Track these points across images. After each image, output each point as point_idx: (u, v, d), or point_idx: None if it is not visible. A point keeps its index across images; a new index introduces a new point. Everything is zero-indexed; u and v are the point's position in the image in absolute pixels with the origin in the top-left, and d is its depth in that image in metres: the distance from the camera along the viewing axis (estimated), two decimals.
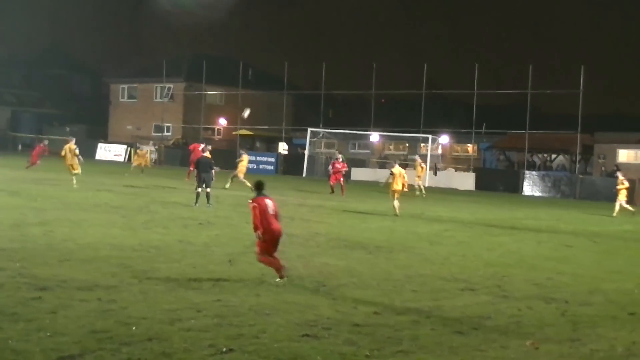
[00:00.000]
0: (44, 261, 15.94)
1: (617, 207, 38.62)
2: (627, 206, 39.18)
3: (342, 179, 42.81)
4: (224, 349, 10.14)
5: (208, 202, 30.37)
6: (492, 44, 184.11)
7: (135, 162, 54.68)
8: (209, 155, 32.43)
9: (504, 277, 17.47)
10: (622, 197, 38.98)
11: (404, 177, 32.46)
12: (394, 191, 32.10)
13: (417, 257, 20.17)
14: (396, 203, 31.67)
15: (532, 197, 58.18)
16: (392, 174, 32.47)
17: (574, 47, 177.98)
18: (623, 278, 18.64)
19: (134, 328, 10.90)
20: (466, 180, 63.71)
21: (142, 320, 11.35)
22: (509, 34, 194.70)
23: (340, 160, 43.75)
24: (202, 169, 31.10)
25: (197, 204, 30.13)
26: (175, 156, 76.79)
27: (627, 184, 39.43)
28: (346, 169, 45.57)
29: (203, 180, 30.72)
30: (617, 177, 41.14)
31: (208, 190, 30.65)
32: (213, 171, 31.37)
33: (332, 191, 41.97)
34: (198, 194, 30.57)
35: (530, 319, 13.07)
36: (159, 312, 11.92)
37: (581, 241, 26.81)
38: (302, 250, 19.87)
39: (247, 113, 74.49)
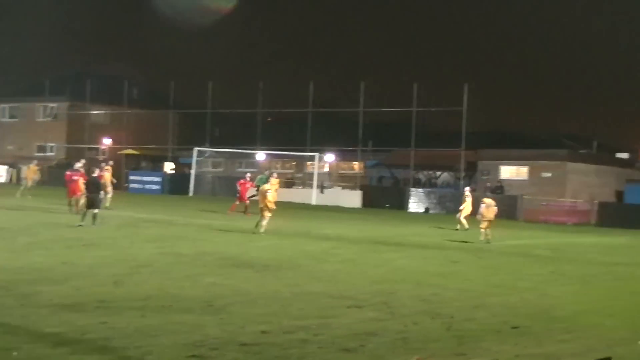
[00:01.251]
0: None
1: (463, 221, 38.94)
2: (464, 221, 39.06)
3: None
4: None
5: (94, 222, 30.01)
6: (378, 62, 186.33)
7: (29, 179, 52.58)
8: (102, 175, 32.45)
9: (390, 293, 17.62)
10: (465, 212, 39.36)
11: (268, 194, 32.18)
12: (264, 208, 31.67)
13: (305, 275, 20.20)
14: (264, 222, 31.36)
15: (418, 213, 58.85)
16: (264, 189, 32.58)
17: (458, 66, 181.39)
18: (507, 292, 19.00)
19: (14, 353, 10.64)
20: (353, 198, 64.07)
21: (24, 345, 11.08)
22: (395, 52, 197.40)
23: (248, 179, 44.17)
24: (92, 189, 30.91)
25: (83, 223, 29.78)
26: (59, 176, 75.13)
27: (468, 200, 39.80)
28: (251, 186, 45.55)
29: (91, 201, 30.50)
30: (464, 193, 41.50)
31: (96, 211, 30.34)
32: (102, 192, 31.03)
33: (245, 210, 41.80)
34: (85, 213, 30.32)
35: (416, 335, 13.20)
36: (41, 336, 11.66)
37: (466, 257, 27.22)
38: (189, 270, 19.71)
39: None
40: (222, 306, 14.92)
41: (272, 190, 33.75)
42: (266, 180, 43.59)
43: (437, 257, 26.66)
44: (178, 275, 18.69)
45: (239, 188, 43.96)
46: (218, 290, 16.84)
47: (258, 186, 49.10)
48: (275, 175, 47.53)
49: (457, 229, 38.70)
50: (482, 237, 33.14)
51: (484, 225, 33.55)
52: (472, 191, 42.44)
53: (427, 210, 59.61)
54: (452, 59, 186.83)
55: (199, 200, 58.76)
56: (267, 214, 31.51)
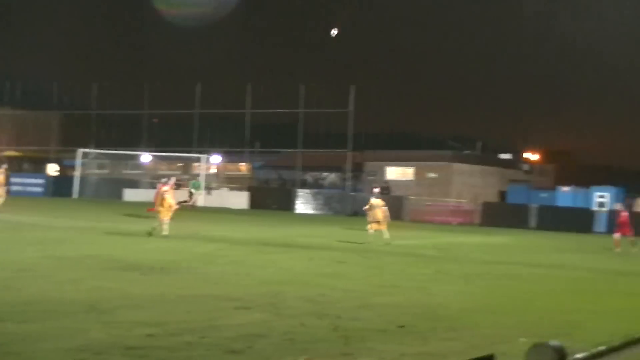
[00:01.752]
0: None
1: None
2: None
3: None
4: None
5: None
6: (266, 64, 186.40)
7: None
8: None
9: (277, 294, 17.60)
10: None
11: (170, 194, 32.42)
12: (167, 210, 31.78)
13: (191, 276, 20.05)
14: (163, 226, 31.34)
15: (305, 214, 59.06)
16: (164, 192, 32.45)
17: (344, 68, 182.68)
18: (392, 292, 19.18)
19: None
20: (240, 199, 63.98)
21: None
22: (283, 54, 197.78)
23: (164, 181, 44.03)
24: None
25: None
26: None
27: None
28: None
29: None
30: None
31: None
32: None
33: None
34: None
35: (303, 335, 13.21)
36: None
37: (352, 257, 27.41)
38: (72, 274, 19.33)
39: (335, 32, 71.18)
40: (106, 309, 14.67)
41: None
42: (199, 185, 44.51)
43: (324, 257, 26.78)
44: (61, 279, 18.33)
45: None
46: (102, 294, 16.56)
47: (191, 192, 51.71)
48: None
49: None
50: (370, 234, 33.47)
51: (373, 226, 33.88)
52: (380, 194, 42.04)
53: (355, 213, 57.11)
54: (338, 60, 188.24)
55: (84, 202, 57.82)
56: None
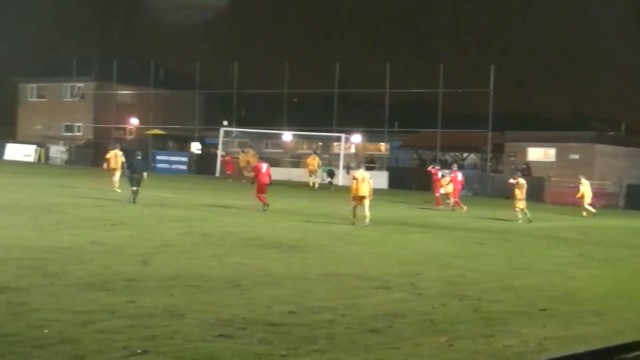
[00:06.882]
0: None
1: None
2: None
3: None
4: (138, 351, 10.02)
5: (134, 200, 32.07)
6: (404, 43, 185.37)
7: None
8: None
9: (417, 274, 17.61)
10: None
11: (369, 182, 29.77)
12: (355, 197, 29.42)
13: (331, 255, 20.22)
14: (366, 212, 28.92)
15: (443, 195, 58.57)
16: (354, 178, 29.86)
17: (484, 47, 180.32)
18: (533, 274, 18.95)
19: (45, 331, 10.72)
20: (379, 179, 63.99)
21: (53, 322, 11.15)
22: (420, 33, 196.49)
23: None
24: (134, 168, 33.53)
25: (134, 201, 32.09)
26: (86, 156, 75.63)
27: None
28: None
29: (134, 180, 32.73)
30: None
31: (135, 188, 32.46)
32: (145, 173, 33.49)
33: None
34: (133, 192, 32.45)
35: (443, 316, 13.20)
36: (71, 314, 11.74)
37: (492, 238, 27.17)
38: (215, 250, 19.77)
39: None
40: (248, 286, 14.95)
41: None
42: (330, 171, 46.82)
43: (463, 238, 26.62)
44: (204, 255, 18.76)
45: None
46: (244, 270, 16.89)
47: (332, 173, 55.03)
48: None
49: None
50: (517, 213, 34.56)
51: (518, 205, 34.32)
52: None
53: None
54: (479, 39, 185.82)
55: (225, 181, 58.82)
56: (360, 203, 29.38)
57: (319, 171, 58.82)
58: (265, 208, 31.80)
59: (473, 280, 17.39)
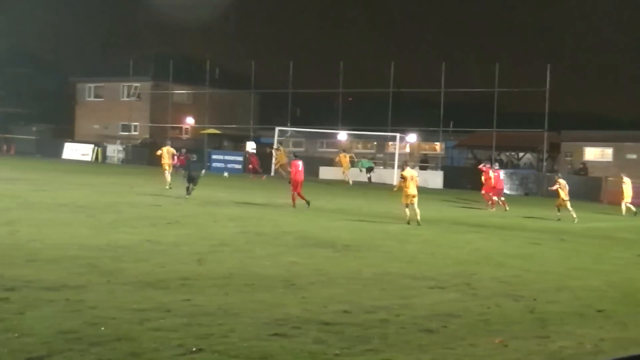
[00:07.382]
0: (10, 261, 15.79)
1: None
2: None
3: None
4: (193, 349, 10.10)
5: (188, 193, 33.85)
6: (459, 43, 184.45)
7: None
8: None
9: (472, 274, 17.53)
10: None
11: (416, 180, 29.84)
12: (407, 196, 29.04)
13: (385, 255, 20.21)
14: (416, 210, 28.73)
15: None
16: (402, 177, 29.60)
17: (540, 46, 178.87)
18: (589, 275, 18.77)
19: (102, 328, 10.83)
20: (434, 179, 63.76)
21: (110, 320, 11.28)
22: (475, 32, 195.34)
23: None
24: (192, 167, 35.20)
25: (188, 195, 33.72)
26: (142, 155, 76.28)
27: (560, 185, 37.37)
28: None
29: (192, 178, 34.22)
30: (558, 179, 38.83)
31: (192, 185, 34.12)
32: (203, 171, 35.71)
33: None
34: (187, 188, 33.91)
35: (498, 317, 13.12)
36: (127, 312, 11.85)
37: (547, 238, 26.96)
38: (270, 249, 19.84)
39: None
40: (303, 285, 14.99)
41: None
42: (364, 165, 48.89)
43: (518, 238, 26.46)
44: (259, 254, 18.84)
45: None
46: (299, 270, 16.93)
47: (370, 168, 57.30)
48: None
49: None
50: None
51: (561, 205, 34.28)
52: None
53: None
54: (534, 38, 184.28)
55: (279, 180, 58.94)
56: (412, 201, 29.00)
57: (358, 165, 62.81)
58: (308, 205, 32.96)
59: (528, 280, 17.27)
